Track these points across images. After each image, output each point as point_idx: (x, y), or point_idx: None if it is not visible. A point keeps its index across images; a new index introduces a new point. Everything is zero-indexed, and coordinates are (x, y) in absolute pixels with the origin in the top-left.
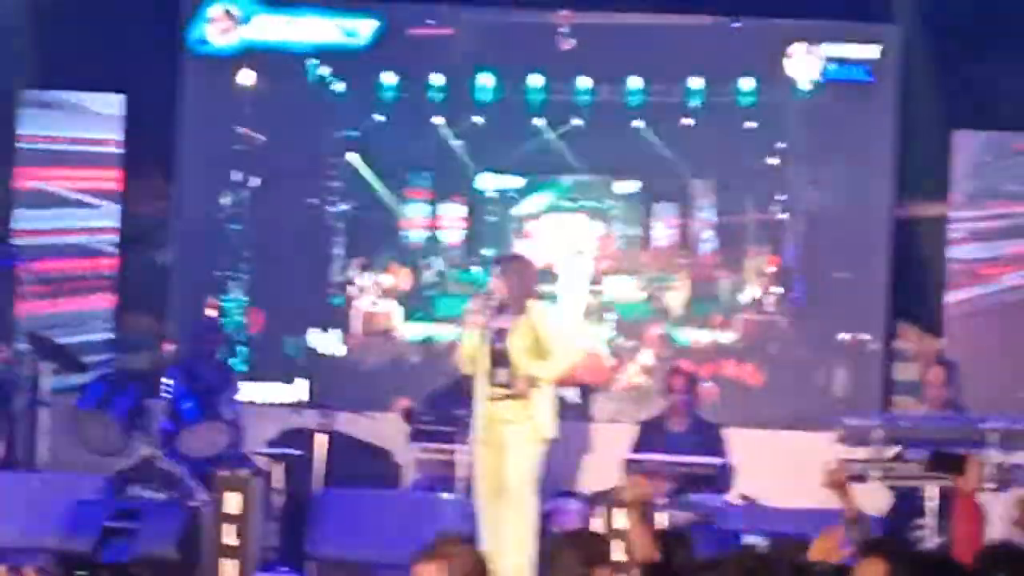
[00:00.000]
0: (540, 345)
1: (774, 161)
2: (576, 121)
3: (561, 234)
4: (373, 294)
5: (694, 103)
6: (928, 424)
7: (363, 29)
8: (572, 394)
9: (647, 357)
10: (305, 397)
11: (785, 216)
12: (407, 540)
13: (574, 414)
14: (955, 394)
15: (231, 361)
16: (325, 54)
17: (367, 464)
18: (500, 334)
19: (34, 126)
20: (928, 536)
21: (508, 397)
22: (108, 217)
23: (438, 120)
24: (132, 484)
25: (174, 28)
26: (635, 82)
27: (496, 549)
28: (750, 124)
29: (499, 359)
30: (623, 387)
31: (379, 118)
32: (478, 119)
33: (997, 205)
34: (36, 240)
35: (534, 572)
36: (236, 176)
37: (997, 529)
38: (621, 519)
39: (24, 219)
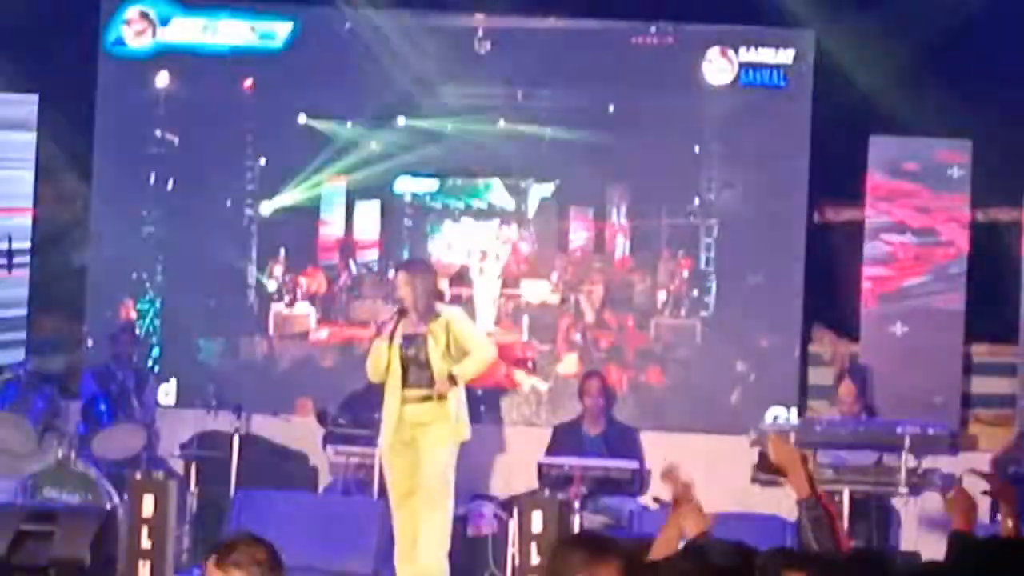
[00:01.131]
0: (455, 347)
1: (689, 166)
2: (492, 125)
3: (475, 237)
4: (288, 297)
5: (609, 107)
6: (843, 428)
7: (279, 32)
8: (485, 397)
9: (563, 360)
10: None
11: (700, 221)
12: (322, 543)
13: (489, 417)
14: (867, 400)
15: (146, 363)
16: (241, 57)
17: (282, 467)
18: (409, 339)
19: None
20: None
21: (425, 399)
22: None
23: (353, 122)
24: (46, 486)
25: (91, 29)
26: (550, 86)
27: (411, 550)
28: (665, 128)
29: (410, 364)
30: (537, 390)
31: (295, 120)
32: (395, 121)
33: (911, 211)
34: None
35: (447, 573)
36: (152, 178)
37: (911, 533)
38: (537, 523)
39: None
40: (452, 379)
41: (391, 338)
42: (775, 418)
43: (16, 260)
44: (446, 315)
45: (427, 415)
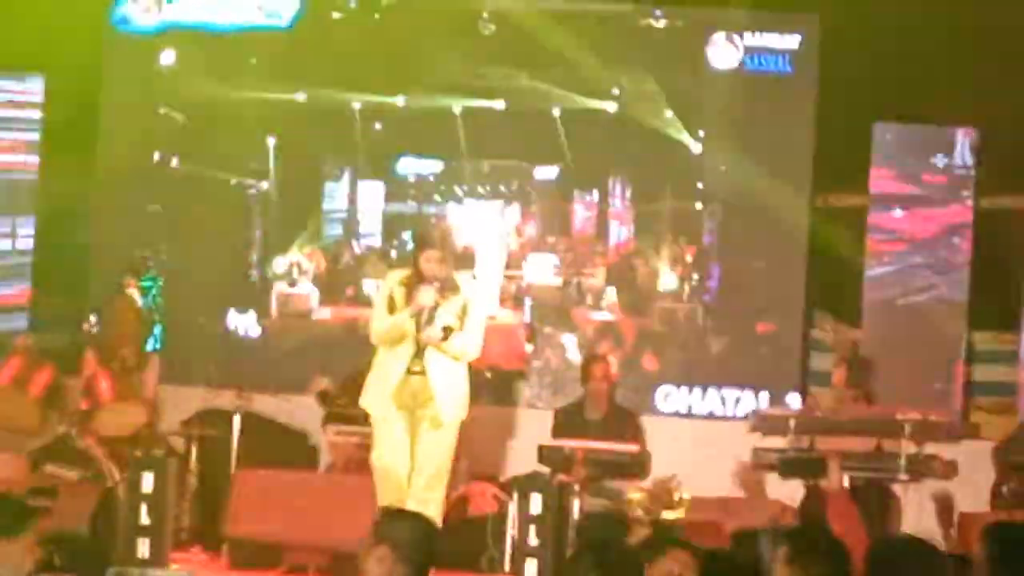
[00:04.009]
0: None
1: (693, 150)
2: (496, 106)
3: (479, 219)
4: (291, 276)
5: (614, 91)
6: (843, 415)
7: (285, 10)
8: (487, 378)
9: (565, 343)
10: None
11: (704, 205)
12: (321, 521)
13: (492, 399)
14: (867, 387)
15: (149, 340)
16: (247, 35)
17: (282, 446)
18: (427, 313)
19: None
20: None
21: (421, 374)
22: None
23: (359, 103)
24: (47, 462)
25: (97, 7)
26: (555, 69)
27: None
28: (669, 113)
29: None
30: (541, 373)
31: (300, 99)
32: (399, 102)
33: (914, 198)
34: None
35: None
36: (156, 156)
37: (911, 520)
38: (536, 505)
39: None
40: (447, 332)
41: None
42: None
43: (20, 235)
44: (465, 293)
45: (427, 391)
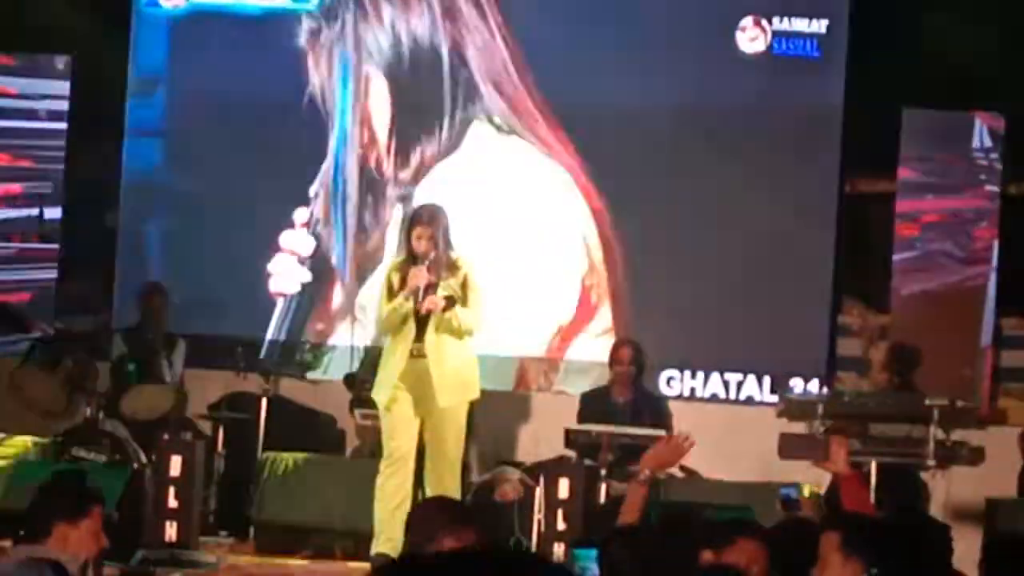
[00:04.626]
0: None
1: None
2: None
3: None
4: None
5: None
6: (870, 400)
7: None
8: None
9: (593, 327)
10: None
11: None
12: (348, 505)
13: (516, 383)
14: (906, 376)
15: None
16: (275, 17)
17: (309, 429)
18: (424, 291)
19: None
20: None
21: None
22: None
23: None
24: (74, 446)
25: None
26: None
27: (396, 514)
28: (697, 96)
29: (424, 319)
30: (568, 357)
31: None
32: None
33: (943, 183)
34: None
35: None
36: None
37: (938, 507)
38: (563, 489)
39: None
40: (450, 302)
41: (413, 295)
42: (803, 389)
43: (47, 219)
44: (465, 268)
45: (428, 374)
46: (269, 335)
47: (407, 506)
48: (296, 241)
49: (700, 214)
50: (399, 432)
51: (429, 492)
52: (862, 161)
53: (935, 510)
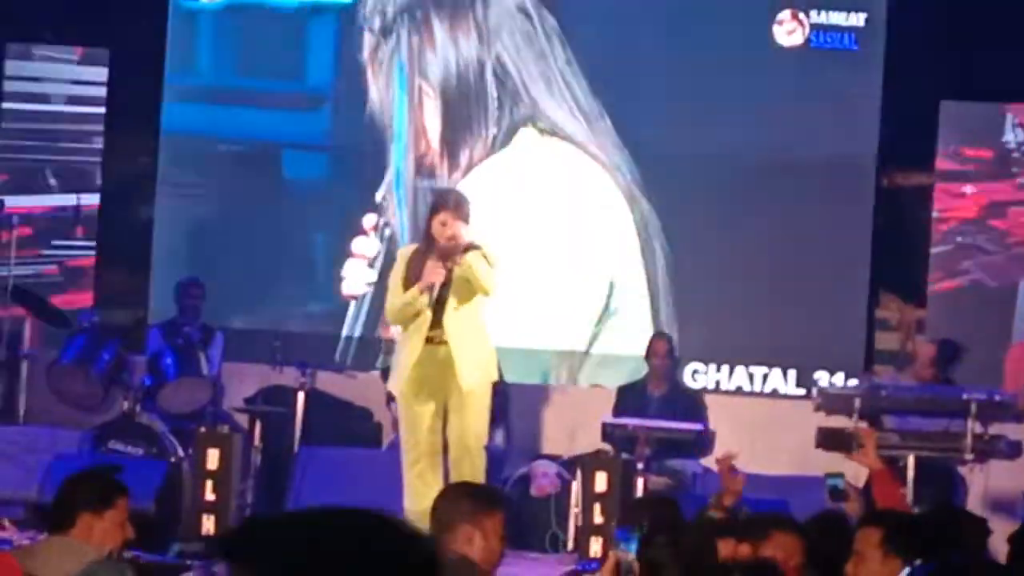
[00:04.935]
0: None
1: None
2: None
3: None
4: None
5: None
6: (908, 394)
7: None
8: (548, 356)
9: (629, 322)
10: None
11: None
12: (384, 499)
13: (553, 377)
14: (948, 373)
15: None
16: (309, 8)
17: (346, 423)
18: (437, 289)
19: (19, 79)
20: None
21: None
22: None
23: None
24: (111, 439)
25: None
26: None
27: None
28: (734, 89)
29: (441, 307)
30: (602, 351)
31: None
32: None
33: (980, 177)
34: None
35: None
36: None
37: (976, 501)
38: (601, 483)
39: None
40: (471, 247)
41: (428, 291)
42: (841, 383)
43: (84, 212)
44: (483, 247)
45: (450, 358)
46: (344, 332)
47: None
48: (365, 246)
49: (737, 211)
50: (417, 425)
51: (453, 479)
52: (899, 154)
53: (973, 504)
